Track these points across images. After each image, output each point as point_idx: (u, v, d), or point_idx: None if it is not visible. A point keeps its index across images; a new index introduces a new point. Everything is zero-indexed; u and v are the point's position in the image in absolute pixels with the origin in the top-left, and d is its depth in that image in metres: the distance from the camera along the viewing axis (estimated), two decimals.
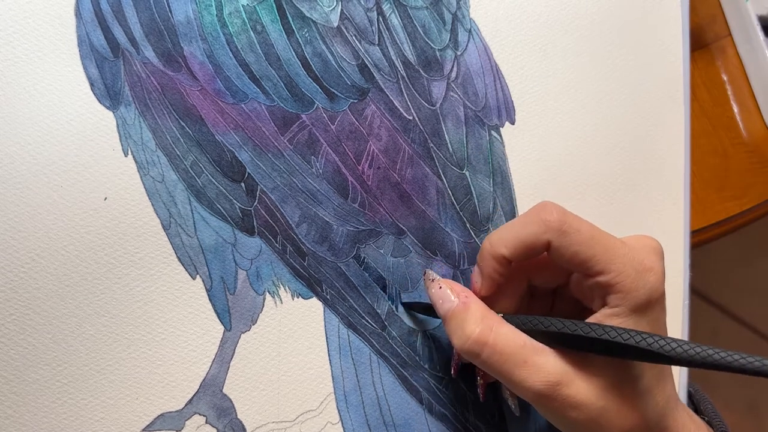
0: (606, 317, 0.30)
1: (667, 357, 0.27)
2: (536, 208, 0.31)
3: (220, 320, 0.32)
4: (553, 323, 0.30)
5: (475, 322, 0.30)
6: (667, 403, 0.31)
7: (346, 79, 0.34)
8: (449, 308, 0.31)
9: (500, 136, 0.38)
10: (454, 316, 0.31)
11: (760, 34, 0.54)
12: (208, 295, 0.32)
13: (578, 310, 0.33)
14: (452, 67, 0.37)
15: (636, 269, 0.30)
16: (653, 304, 0.30)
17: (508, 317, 0.32)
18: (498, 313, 0.32)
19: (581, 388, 0.29)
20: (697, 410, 0.37)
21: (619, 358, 0.29)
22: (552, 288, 0.35)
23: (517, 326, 0.31)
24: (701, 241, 0.54)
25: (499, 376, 0.30)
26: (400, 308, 0.35)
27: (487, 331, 0.30)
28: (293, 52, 0.33)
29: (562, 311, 0.35)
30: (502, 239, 0.31)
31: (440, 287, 0.32)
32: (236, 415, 0.32)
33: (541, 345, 0.30)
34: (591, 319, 0.30)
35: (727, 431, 0.34)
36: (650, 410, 0.31)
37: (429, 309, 0.34)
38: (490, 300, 0.32)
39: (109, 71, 0.31)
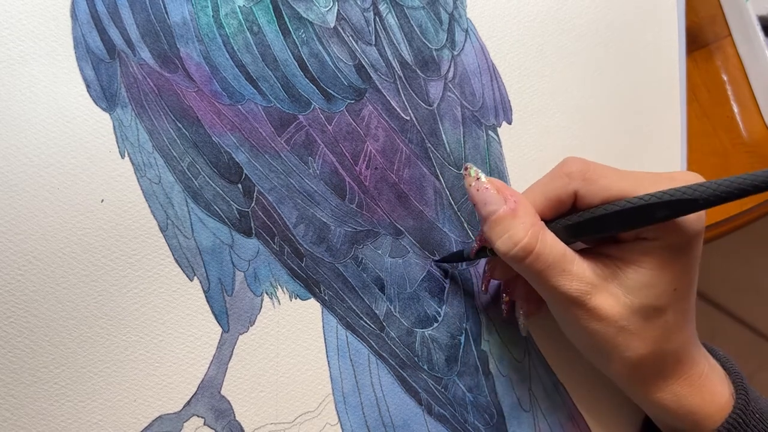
0: (641, 251, 0.30)
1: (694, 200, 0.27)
2: (559, 164, 0.32)
3: (217, 322, 0.32)
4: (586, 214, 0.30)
5: (524, 230, 0.30)
6: (686, 340, 0.32)
7: (342, 80, 0.34)
8: (494, 211, 0.30)
9: (497, 135, 0.38)
10: (500, 220, 0.30)
11: (760, 34, 0.53)
12: (206, 296, 0.32)
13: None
14: (449, 67, 0.37)
15: None
16: (691, 241, 0.30)
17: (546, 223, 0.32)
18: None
19: (609, 302, 0.30)
20: None
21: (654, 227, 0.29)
22: None
23: (554, 230, 0.31)
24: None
25: (535, 279, 0.31)
26: (398, 308, 0.35)
27: (533, 240, 0.30)
28: (290, 53, 0.33)
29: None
30: (529, 199, 0.31)
31: (486, 188, 0.31)
32: (234, 416, 0.32)
33: (577, 255, 0.31)
34: (622, 247, 0.31)
35: (740, 373, 0.34)
36: (669, 342, 0.31)
37: (459, 256, 0.34)
38: None
39: (106, 73, 0.31)
